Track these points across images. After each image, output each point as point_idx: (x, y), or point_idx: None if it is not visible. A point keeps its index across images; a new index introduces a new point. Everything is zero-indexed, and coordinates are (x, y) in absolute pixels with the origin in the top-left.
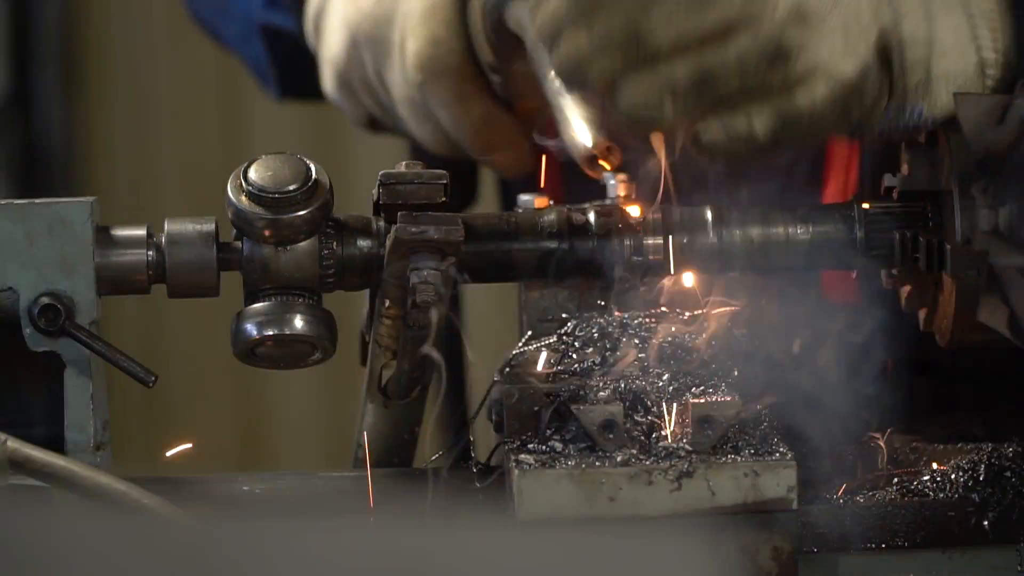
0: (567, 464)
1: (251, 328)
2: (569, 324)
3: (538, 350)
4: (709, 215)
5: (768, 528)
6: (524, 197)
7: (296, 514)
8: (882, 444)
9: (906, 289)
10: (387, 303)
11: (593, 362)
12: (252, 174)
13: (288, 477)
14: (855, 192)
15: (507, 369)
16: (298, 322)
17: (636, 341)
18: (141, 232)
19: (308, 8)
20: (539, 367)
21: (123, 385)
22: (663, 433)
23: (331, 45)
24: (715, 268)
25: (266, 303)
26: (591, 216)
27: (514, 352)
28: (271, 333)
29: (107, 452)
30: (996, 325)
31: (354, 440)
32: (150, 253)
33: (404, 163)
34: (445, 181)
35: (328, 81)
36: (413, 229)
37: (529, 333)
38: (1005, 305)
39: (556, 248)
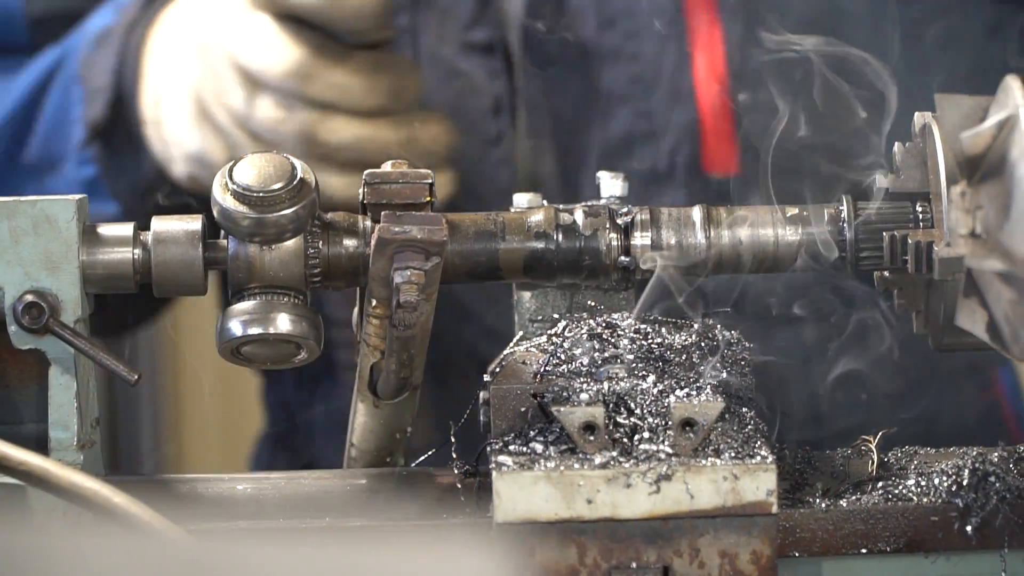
0: (546, 466)
1: (235, 327)
2: (559, 325)
3: (527, 351)
4: (697, 216)
5: (748, 532)
6: (518, 197)
7: (278, 515)
8: (873, 448)
9: (898, 291)
10: (374, 302)
11: (581, 363)
12: (237, 173)
13: (274, 477)
14: (723, 68)
15: (497, 369)
16: (282, 322)
17: (625, 342)
18: (127, 231)
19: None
20: (528, 367)
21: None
22: (645, 435)
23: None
24: (703, 269)
25: (251, 302)
26: (578, 216)
27: (505, 352)
28: (255, 332)
29: (95, 450)
30: (974, 329)
31: (346, 439)
32: (136, 251)
33: (390, 162)
34: (430, 181)
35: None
36: (396, 229)
37: (520, 334)
38: (983, 309)
39: (543, 248)
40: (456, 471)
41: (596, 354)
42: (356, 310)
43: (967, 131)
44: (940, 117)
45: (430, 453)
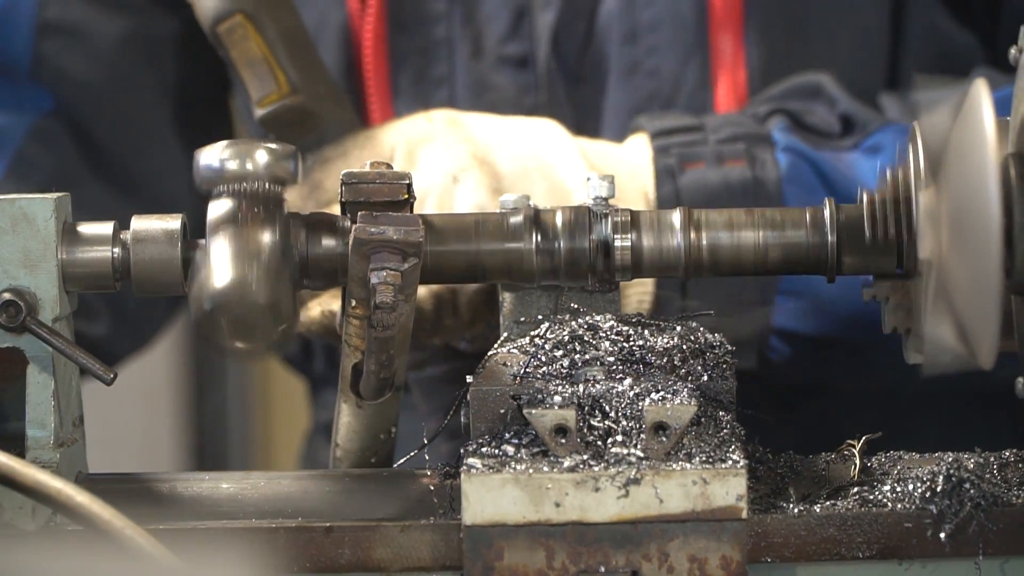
0: (515, 468)
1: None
2: (542, 327)
3: (510, 352)
4: (678, 219)
5: (717, 537)
6: (506, 197)
7: (254, 515)
8: (856, 452)
9: (886, 295)
10: (353, 303)
11: (561, 365)
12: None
13: (254, 477)
14: (744, 93)
15: (480, 371)
16: (260, 156)
17: (606, 345)
18: (107, 229)
19: None
20: (509, 369)
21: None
22: (618, 439)
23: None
24: (683, 272)
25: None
26: (558, 217)
27: (489, 353)
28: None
29: (77, 448)
30: (944, 337)
31: (332, 440)
32: (115, 250)
33: (369, 162)
34: (408, 180)
35: None
36: (372, 229)
37: (505, 335)
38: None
39: (522, 249)
40: (429, 472)
41: (576, 356)
42: (339, 310)
43: (931, 133)
44: (918, 120)
45: (413, 454)
